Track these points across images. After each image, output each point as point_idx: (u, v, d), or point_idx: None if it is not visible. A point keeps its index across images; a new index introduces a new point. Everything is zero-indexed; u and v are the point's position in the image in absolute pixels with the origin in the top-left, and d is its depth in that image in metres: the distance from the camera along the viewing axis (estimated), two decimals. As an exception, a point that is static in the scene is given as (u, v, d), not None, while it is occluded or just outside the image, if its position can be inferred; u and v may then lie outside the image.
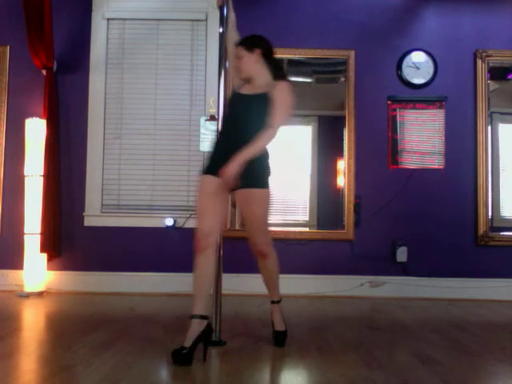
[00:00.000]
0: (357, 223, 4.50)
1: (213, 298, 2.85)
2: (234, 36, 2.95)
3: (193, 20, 4.65)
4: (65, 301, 4.10)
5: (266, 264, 2.77)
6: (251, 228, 2.72)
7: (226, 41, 2.97)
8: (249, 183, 2.61)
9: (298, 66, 4.70)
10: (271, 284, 2.85)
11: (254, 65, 2.75)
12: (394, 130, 4.56)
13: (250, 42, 2.77)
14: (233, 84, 2.95)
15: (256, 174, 2.64)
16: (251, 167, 2.58)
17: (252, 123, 2.65)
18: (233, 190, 2.65)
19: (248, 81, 2.78)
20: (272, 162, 2.75)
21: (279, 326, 2.79)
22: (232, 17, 2.99)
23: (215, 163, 2.63)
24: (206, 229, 2.60)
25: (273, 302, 2.84)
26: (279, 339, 2.76)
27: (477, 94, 4.54)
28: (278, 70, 2.82)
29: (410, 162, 4.54)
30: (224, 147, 2.68)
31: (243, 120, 2.68)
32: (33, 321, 3.61)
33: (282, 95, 2.67)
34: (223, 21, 2.97)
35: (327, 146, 4.79)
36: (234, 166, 2.51)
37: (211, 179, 2.64)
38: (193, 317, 2.50)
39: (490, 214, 4.50)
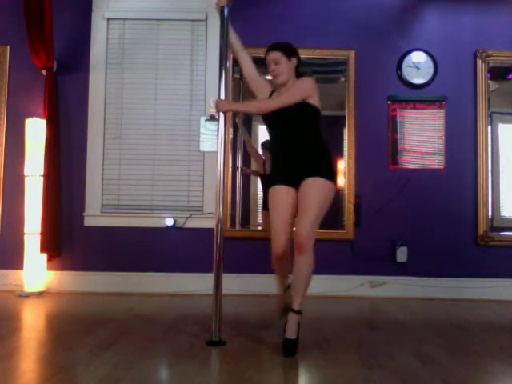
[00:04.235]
0: (357, 223, 4.50)
1: (213, 297, 2.85)
2: (238, 44, 3.04)
3: (193, 20, 4.65)
4: (65, 301, 4.11)
5: (299, 261, 2.72)
6: (301, 216, 2.73)
7: (231, 48, 3.05)
8: (317, 173, 2.77)
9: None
10: (296, 288, 2.74)
11: (291, 72, 2.92)
12: (394, 130, 4.56)
13: (288, 50, 2.92)
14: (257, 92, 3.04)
15: (325, 167, 2.83)
16: (323, 161, 2.84)
17: (298, 127, 2.84)
18: (299, 181, 2.77)
19: (280, 86, 2.92)
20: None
21: (288, 334, 2.64)
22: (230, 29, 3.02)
23: (284, 174, 2.85)
24: (281, 246, 2.79)
25: (292, 310, 2.71)
26: (286, 347, 2.61)
27: (477, 94, 4.55)
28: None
29: (410, 162, 4.54)
30: (285, 158, 2.87)
31: (292, 129, 2.84)
32: (33, 321, 3.61)
33: (297, 83, 2.86)
34: (224, 29, 2.96)
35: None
36: (227, 105, 2.96)
37: (284, 189, 2.82)
38: (291, 310, 2.71)
39: (490, 214, 4.50)
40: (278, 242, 2.77)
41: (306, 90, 2.82)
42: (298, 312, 2.71)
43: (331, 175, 2.83)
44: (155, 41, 4.65)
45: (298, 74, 2.97)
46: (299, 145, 2.82)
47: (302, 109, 2.81)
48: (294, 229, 2.79)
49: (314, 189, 2.74)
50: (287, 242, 2.79)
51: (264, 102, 2.94)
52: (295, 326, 2.68)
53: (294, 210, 2.81)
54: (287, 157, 2.85)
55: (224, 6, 2.96)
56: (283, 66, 2.87)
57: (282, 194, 2.82)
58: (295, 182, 2.80)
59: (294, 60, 2.91)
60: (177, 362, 2.47)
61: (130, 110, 4.62)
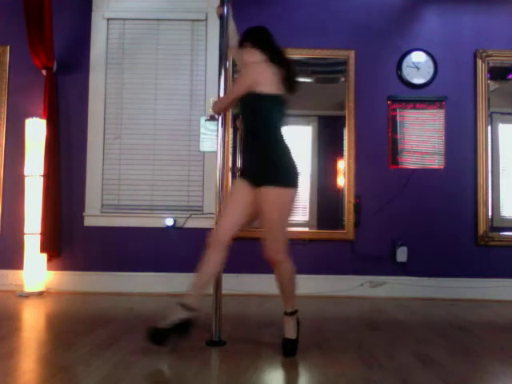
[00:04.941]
0: (357, 223, 4.49)
1: (213, 298, 2.85)
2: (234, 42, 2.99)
3: (193, 20, 4.65)
4: (65, 301, 4.10)
5: (276, 272, 2.66)
6: (264, 230, 2.64)
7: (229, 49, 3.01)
8: (267, 181, 2.57)
9: (297, 66, 4.68)
10: (283, 294, 2.70)
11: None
12: (394, 130, 4.56)
13: (240, 42, 2.82)
14: None
15: (275, 172, 2.58)
16: (272, 164, 2.59)
17: (249, 122, 2.70)
18: (256, 185, 2.62)
19: None
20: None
21: (288, 334, 2.65)
22: (232, 25, 3.01)
23: (246, 173, 2.72)
24: (222, 231, 2.64)
25: (285, 313, 2.70)
26: (286, 347, 2.61)
27: (477, 94, 4.55)
28: (275, 54, 2.74)
29: (410, 162, 4.54)
30: (244, 158, 2.78)
31: (245, 120, 2.73)
32: (33, 321, 3.61)
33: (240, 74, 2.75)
34: (223, 29, 2.97)
35: (327, 146, 4.79)
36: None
37: (244, 185, 2.68)
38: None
39: (490, 213, 4.50)
40: (221, 228, 2.64)
41: (245, 80, 2.64)
42: (293, 313, 2.70)
43: (285, 180, 2.58)
44: (155, 41, 4.65)
45: (272, 48, 2.75)
46: (253, 144, 2.66)
47: (250, 100, 2.62)
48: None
49: (268, 202, 2.57)
50: (229, 231, 2.63)
51: (220, 99, 2.88)
52: (294, 326, 2.68)
53: (247, 209, 2.66)
54: (245, 157, 2.76)
55: (223, 12, 2.98)
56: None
57: (240, 188, 2.69)
58: (253, 183, 2.64)
59: (247, 44, 2.76)
60: (177, 362, 2.47)
61: (130, 110, 4.62)
